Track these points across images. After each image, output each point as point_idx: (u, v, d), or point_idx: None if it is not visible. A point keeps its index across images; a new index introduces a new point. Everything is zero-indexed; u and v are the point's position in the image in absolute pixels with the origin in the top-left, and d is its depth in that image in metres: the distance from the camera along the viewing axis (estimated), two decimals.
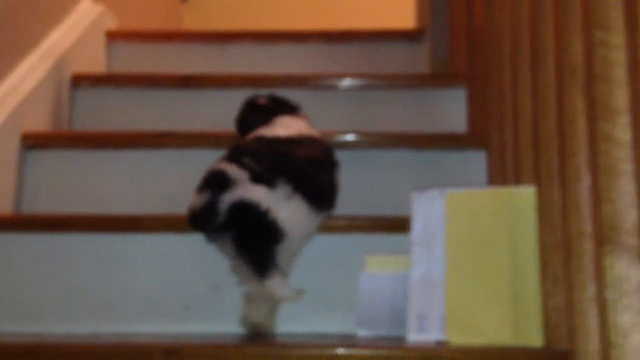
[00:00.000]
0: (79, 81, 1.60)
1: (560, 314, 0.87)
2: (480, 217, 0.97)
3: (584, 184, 0.81)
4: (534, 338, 0.91)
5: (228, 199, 1.00)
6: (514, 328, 0.92)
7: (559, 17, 0.88)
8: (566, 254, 0.85)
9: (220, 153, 1.28)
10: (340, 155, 1.37)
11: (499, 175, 1.19)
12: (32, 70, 1.44)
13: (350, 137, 1.38)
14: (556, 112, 0.90)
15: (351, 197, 1.35)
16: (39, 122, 1.44)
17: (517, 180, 1.05)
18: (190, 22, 3.09)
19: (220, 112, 1.42)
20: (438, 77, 1.63)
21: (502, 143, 1.17)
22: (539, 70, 0.95)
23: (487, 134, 1.29)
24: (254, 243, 1.00)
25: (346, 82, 1.58)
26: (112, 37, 1.84)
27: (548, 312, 0.90)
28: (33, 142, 1.36)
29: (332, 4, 3.15)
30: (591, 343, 0.79)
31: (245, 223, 1.00)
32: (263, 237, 1.00)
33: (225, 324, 1.10)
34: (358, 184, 1.36)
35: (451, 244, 0.97)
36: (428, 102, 1.57)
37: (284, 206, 1.01)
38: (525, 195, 0.96)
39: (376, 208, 1.33)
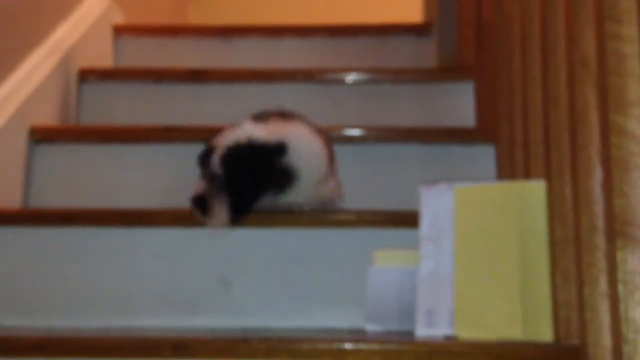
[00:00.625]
0: (86, 75, 1.60)
1: (571, 309, 0.87)
2: (490, 212, 0.96)
3: (596, 177, 0.81)
4: (544, 333, 0.90)
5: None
6: (523, 323, 0.91)
7: (570, 10, 0.87)
8: (577, 249, 0.84)
9: None
10: (347, 150, 1.37)
11: (508, 169, 1.19)
12: (39, 64, 1.45)
13: (357, 132, 1.38)
14: (567, 105, 0.89)
15: (359, 192, 1.35)
16: (47, 117, 1.45)
17: (527, 174, 1.05)
18: (195, 16, 3.08)
19: (227, 106, 1.42)
20: (445, 71, 1.62)
21: (511, 137, 1.16)
22: (549, 63, 0.95)
23: (495, 127, 1.28)
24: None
25: (353, 77, 1.57)
26: (119, 31, 1.84)
27: (558, 307, 0.89)
28: (41, 137, 1.37)
29: None
30: (603, 338, 0.78)
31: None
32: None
33: (234, 319, 1.10)
34: (365, 179, 1.36)
35: (460, 239, 0.97)
36: (435, 96, 1.56)
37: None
38: (536, 189, 0.95)
39: (384, 203, 1.32)
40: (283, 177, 1.11)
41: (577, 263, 0.84)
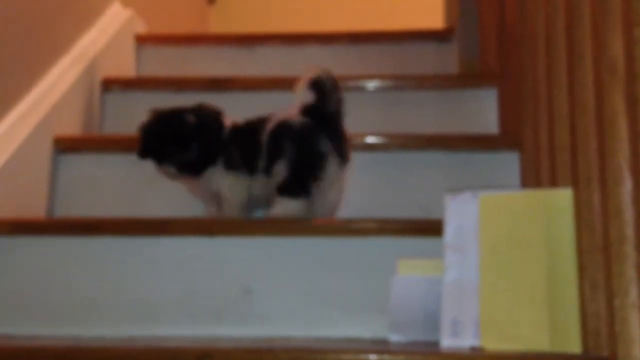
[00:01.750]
0: (110, 85, 1.61)
1: (600, 320, 0.85)
2: (515, 220, 0.95)
3: (625, 186, 0.79)
4: (573, 344, 0.89)
5: None
6: (551, 334, 0.89)
7: (597, 15, 0.86)
8: (606, 259, 0.83)
9: None
10: (369, 157, 1.36)
11: (533, 177, 1.17)
12: (63, 74, 1.46)
13: (379, 139, 1.37)
14: (595, 112, 0.87)
15: (381, 200, 1.34)
16: (71, 126, 1.46)
17: (553, 182, 1.03)
18: (217, 24, 3.11)
19: (248, 114, 1.41)
20: (468, 77, 1.61)
21: (536, 144, 1.14)
22: (575, 68, 0.93)
23: (520, 134, 1.27)
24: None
25: (375, 84, 1.57)
26: (142, 40, 1.85)
27: (587, 318, 0.87)
28: (65, 146, 1.38)
29: (360, 5, 3.14)
30: (634, 349, 0.76)
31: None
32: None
33: (257, 328, 1.09)
34: (388, 187, 1.35)
35: (485, 248, 0.95)
36: (458, 102, 1.55)
37: None
38: (562, 197, 0.93)
39: (407, 210, 1.31)
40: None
41: (606, 273, 0.83)
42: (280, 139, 1.19)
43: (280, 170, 1.18)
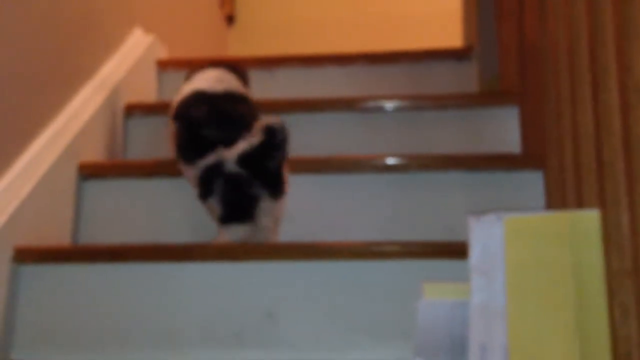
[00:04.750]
0: (132, 110, 1.63)
1: (631, 344, 0.83)
2: (542, 243, 0.93)
3: None
4: None
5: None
6: (581, 359, 0.88)
7: (621, 34, 0.85)
8: (636, 281, 0.81)
9: None
10: (390, 178, 1.36)
11: (558, 197, 1.15)
12: (87, 101, 1.48)
13: (399, 160, 1.36)
14: (621, 132, 0.86)
15: (403, 221, 1.33)
16: (95, 152, 1.48)
17: (579, 203, 1.02)
18: (235, 48, 3.14)
19: None
20: (489, 96, 1.60)
21: (561, 163, 1.13)
22: (600, 88, 0.92)
23: (543, 154, 1.25)
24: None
25: (394, 104, 1.56)
26: (163, 66, 1.88)
27: (617, 342, 0.86)
28: (89, 172, 1.39)
29: (377, 25, 3.15)
30: None
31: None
32: None
33: (280, 352, 1.09)
34: (409, 208, 1.34)
35: (511, 271, 0.94)
36: (479, 121, 1.54)
37: None
38: (589, 219, 0.92)
39: (430, 232, 1.30)
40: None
41: (637, 296, 0.81)
42: (212, 178, 1.19)
43: (214, 204, 1.20)
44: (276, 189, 1.19)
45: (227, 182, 1.17)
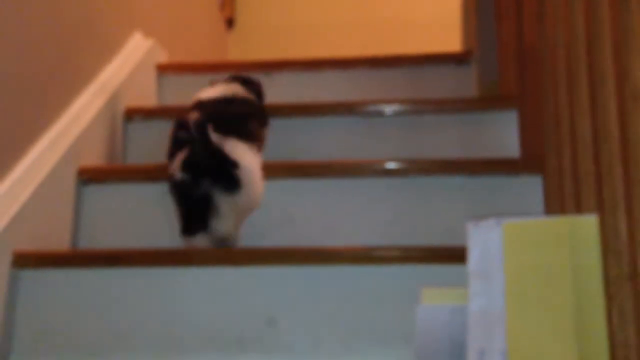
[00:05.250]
0: (132, 115, 1.63)
1: (629, 350, 0.83)
2: (540, 248, 0.94)
3: None
4: None
5: None
6: None
7: (619, 39, 0.85)
8: (634, 287, 0.81)
9: (273, 185, 1.29)
10: (390, 183, 1.36)
11: (557, 202, 1.16)
12: (87, 105, 1.49)
13: (399, 164, 1.36)
14: (619, 138, 0.86)
15: (402, 226, 1.33)
16: (94, 157, 1.48)
17: (578, 208, 1.02)
18: (235, 48, 3.14)
19: (269, 141, 1.42)
20: (488, 100, 1.60)
21: (560, 168, 1.13)
22: (598, 93, 0.92)
23: (542, 158, 1.25)
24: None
25: (394, 108, 1.57)
26: (163, 70, 1.88)
27: (616, 348, 0.86)
28: (89, 177, 1.40)
29: (377, 30, 3.16)
30: None
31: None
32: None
33: (281, 357, 1.09)
34: (408, 212, 1.34)
35: (510, 276, 0.94)
36: (478, 125, 1.54)
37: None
38: (588, 224, 0.92)
39: (429, 236, 1.30)
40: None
41: (635, 301, 0.81)
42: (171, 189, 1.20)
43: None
44: (228, 181, 1.14)
45: (177, 192, 1.17)
